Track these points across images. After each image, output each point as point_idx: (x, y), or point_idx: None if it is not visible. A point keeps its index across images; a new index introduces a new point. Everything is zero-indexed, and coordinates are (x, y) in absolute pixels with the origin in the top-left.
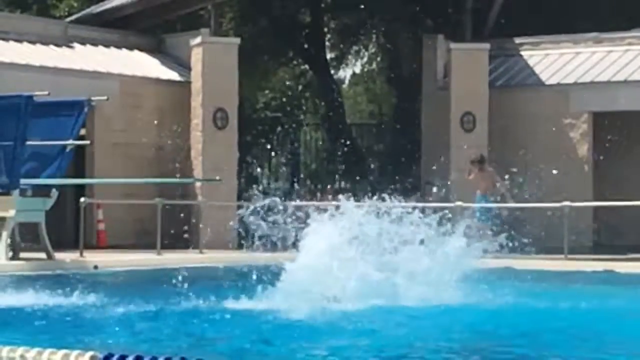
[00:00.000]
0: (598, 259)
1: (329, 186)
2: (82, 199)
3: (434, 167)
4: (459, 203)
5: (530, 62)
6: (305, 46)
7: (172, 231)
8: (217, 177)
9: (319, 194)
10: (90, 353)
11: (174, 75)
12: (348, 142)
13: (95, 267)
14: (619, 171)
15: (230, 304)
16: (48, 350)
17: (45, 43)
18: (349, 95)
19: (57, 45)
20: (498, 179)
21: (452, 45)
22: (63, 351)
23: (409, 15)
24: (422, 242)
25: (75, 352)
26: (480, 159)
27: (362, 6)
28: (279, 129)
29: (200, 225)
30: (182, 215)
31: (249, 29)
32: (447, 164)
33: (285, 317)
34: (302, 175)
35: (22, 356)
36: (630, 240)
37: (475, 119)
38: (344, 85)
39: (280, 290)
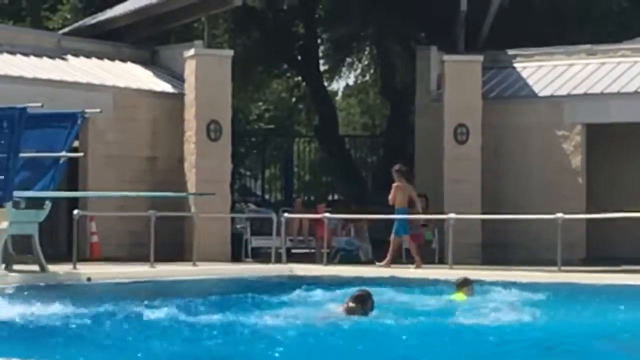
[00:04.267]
0: (592, 271)
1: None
2: (75, 211)
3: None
4: (452, 215)
5: (524, 74)
6: (299, 58)
7: (165, 243)
8: (212, 192)
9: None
10: None
11: (167, 87)
12: (341, 154)
13: (89, 279)
14: (613, 183)
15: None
16: None
17: (38, 55)
18: (342, 107)
19: (50, 57)
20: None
21: (446, 57)
22: None
23: (402, 27)
24: None
25: None
26: (405, 170)
27: (356, 18)
28: (273, 141)
29: (194, 237)
30: (175, 227)
31: (242, 41)
32: (440, 176)
33: None
34: (295, 187)
35: None
36: (624, 252)
37: (469, 131)
38: (338, 97)
39: None
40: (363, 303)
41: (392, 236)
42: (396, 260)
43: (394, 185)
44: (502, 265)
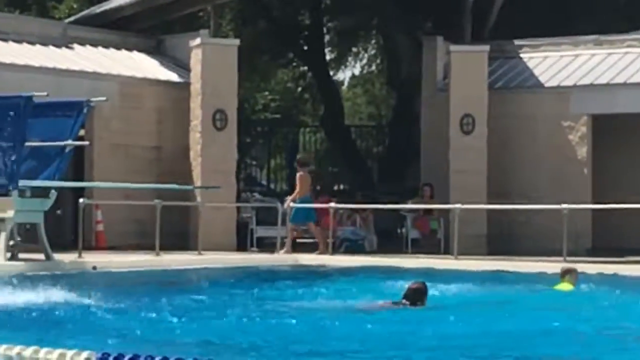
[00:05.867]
0: (597, 262)
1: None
2: (81, 200)
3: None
4: (458, 205)
5: (530, 64)
6: (305, 48)
7: (170, 232)
8: (217, 182)
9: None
10: (86, 352)
11: (173, 76)
12: (347, 144)
13: (94, 268)
14: (618, 173)
15: None
16: (44, 350)
17: (44, 44)
18: (348, 97)
19: (56, 46)
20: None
21: (452, 47)
22: (59, 350)
23: (409, 17)
24: None
25: (71, 352)
26: (306, 161)
27: (362, 8)
28: (278, 130)
29: (199, 227)
30: (180, 216)
31: (248, 30)
32: (446, 166)
33: None
34: None
35: (18, 354)
36: (630, 243)
37: (475, 121)
38: (344, 87)
39: None
40: (422, 295)
41: (311, 225)
42: (401, 250)
43: (298, 175)
44: (507, 256)
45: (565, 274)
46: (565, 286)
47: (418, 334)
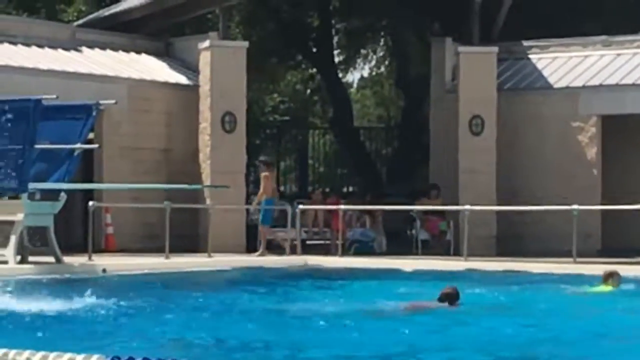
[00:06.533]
0: (607, 262)
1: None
2: (90, 203)
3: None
4: (467, 206)
5: (539, 65)
6: (314, 49)
7: (180, 235)
8: (226, 184)
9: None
10: (96, 356)
11: (182, 79)
12: (356, 146)
13: (104, 270)
14: (628, 174)
15: None
16: (53, 354)
17: (53, 47)
18: (357, 98)
19: (65, 49)
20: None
21: (460, 48)
22: (68, 354)
23: (417, 18)
24: None
25: (81, 356)
26: (270, 161)
27: (370, 9)
28: (287, 132)
29: (209, 229)
30: (190, 218)
31: (257, 32)
32: (455, 167)
33: None
34: (310, 179)
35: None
36: (639, 244)
37: (484, 122)
38: (352, 89)
39: None
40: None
41: (260, 227)
42: (410, 252)
43: (264, 175)
44: (517, 257)
45: (609, 277)
46: (605, 288)
47: (494, 336)
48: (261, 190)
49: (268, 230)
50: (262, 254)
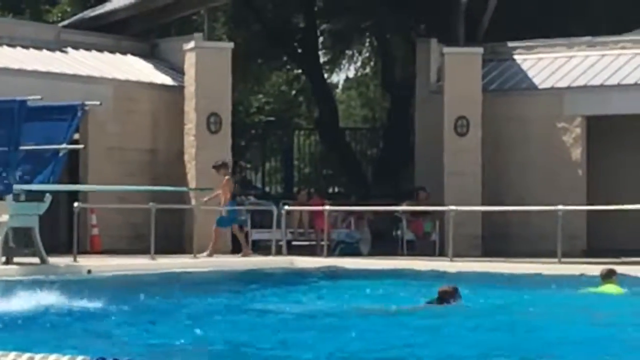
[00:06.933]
0: (592, 263)
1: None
2: (75, 204)
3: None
4: (452, 207)
5: (524, 66)
6: (299, 50)
7: (165, 235)
8: (211, 186)
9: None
10: (81, 357)
11: (167, 80)
12: (341, 147)
13: (89, 271)
14: (613, 174)
15: None
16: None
17: (38, 48)
18: (342, 99)
19: (50, 49)
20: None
21: (445, 49)
22: (54, 355)
23: (402, 19)
24: None
25: (66, 357)
26: (227, 164)
27: (355, 10)
28: (273, 133)
29: (194, 230)
30: (175, 219)
31: (242, 33)
32: (440, 168)
33: None
34: (295, 180)
35: None
36: (625, 244)
37: (469, 123)
38: (338, 90)
39: None
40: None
41: (235, 227)
42: (396, 253)
43: (227, 179)
44: (502, 257)
45: (611, 274)
46: (611, 288)
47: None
48: (224, 193)
49: (236, 229)
50: (245, 254)
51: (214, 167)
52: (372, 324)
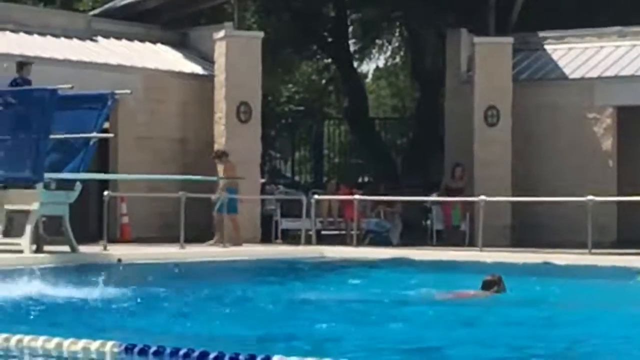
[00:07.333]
0: (622, 254)
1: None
2: (105, 193)
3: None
4: (482, 197)
5: (554, 56)
6: (329, 40)
7: (195, 225)
8: (241, 174)
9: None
10: (111, 343)
11: (197, 69)
12: (371, 136)
13: (119, 260)
14: None
15: None
16: (69, 340)
17: (69, 37)
18: (372, 89)
19: (80, 39)
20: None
21: (476, 39)
22: (84, 341)
23: (432, 9)
24: None
25: (96, 342)
26: (224, 153)
27: (385, 0)
28: (303, 123)
29: (224, 219)
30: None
31: (272, 22)
32: (470, 158)
33: None
34: (325, 169)
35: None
36: None
37: (499, 113)
38: (367, 80)
39: None
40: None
41: (231, 215)
42: (425, 243)
43: (228, 165)
44: (532, 248)
45: None
46: None
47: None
48: (225, 180)
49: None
50: (216, 242)
51: (214, 157)
52: (421, 312)
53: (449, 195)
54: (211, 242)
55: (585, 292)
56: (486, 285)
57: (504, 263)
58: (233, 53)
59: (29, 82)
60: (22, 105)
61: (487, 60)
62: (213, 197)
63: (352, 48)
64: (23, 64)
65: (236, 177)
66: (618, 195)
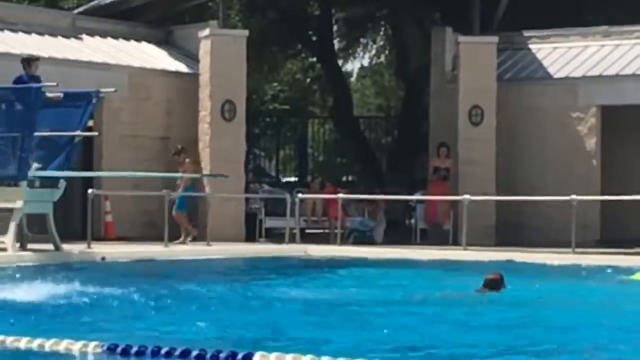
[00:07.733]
0: (605, 253)
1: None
2: (89, 191)
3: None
4: (466, 196)
5: (539, 56)
6: (314, 38)
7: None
8: (225, 173)
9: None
10: (94, 343)
11: (182, 67)
12: (356, 135)
13: (103, 258)
14: (627, 165)
15: None
16: (51, 340)
17: (53, 34)
18: (356, 88)
19: (65, 36)
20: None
21: (461, 38)
22: (67, 341)
23: (417, 7)
24: None
25: (79, 343)
26: (183, 149)
27: None
28: (287, 121)
29: (208, 217)
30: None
31: (257, 21)
32: (455, 157)
33: None
34: (309, 168)
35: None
36: (637, 235)
37: (484, 112)
38: (352, 78)
39: None
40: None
41: (175, 213)
42: (409, 242)
43: (187, 161)
44: (515, 247)
45: None
46: None
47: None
48: (185, 177)
49: (183, 216)
50: (183, 242)
51: (174, 154)
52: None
53: (437, 179)
54: (177, 241)
55: (568, 292)
56: (491, 284)
57: (484, 262)
58: (218, 51)
59: (36, 79)
60: (6, 103)
61: (471, 59)
62: (173, 194)
63: (336, 47)
64: (30, 60)
65: (221, 175)
66: (602, 194)
